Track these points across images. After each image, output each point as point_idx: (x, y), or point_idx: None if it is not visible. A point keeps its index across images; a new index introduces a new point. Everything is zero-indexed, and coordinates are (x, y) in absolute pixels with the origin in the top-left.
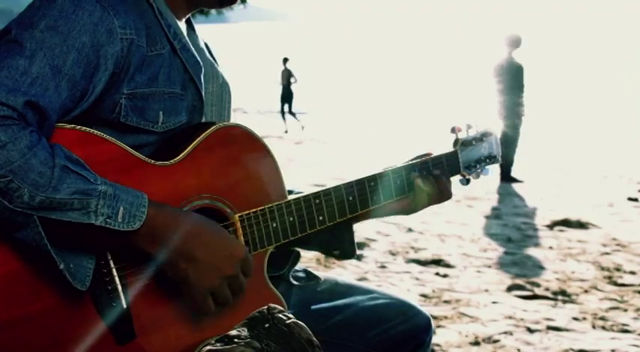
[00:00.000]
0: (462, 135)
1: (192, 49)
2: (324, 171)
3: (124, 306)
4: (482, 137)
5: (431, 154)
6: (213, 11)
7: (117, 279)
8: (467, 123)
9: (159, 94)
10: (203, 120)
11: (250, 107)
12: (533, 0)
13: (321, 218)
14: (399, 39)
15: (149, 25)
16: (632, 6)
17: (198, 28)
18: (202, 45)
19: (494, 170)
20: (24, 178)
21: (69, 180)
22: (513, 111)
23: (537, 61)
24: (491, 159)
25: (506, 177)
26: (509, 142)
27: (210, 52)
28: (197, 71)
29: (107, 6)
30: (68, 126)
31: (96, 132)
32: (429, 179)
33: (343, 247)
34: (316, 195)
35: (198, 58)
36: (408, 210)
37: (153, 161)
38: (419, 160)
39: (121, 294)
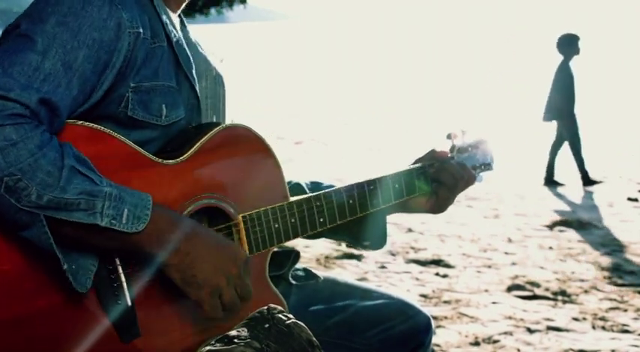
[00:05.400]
0: (457, 142)
1: (185, 44)
2: (324, 172)
3: (129, 304)
4: (477, 144)
5: (436, 151)
6: (213, 11)
7: (122, 277)
8: (462, 129)
9: (160, 88)
10: (202, 116)
11: (250, 106)
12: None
13: (321, 220)
14: (400, 39)
15: (150, 18)
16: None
17: (198, 28)
18: (194, 40)
19: (486, 177)
20: (32, 177)
21: (76, 180)
22: (561, 115)
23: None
24: (485, 166)
25: (549, 181)
26: (572, 146)
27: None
28: (189, 67)
29: (115, 0)
30: (78, 122)
31: (105, 129)
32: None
33: (374, 238)
34: (317, 197)
35: (189, 54)
36: (434, 207)
37: (160, 159)
38: (417, 165)
39: (126, 292)
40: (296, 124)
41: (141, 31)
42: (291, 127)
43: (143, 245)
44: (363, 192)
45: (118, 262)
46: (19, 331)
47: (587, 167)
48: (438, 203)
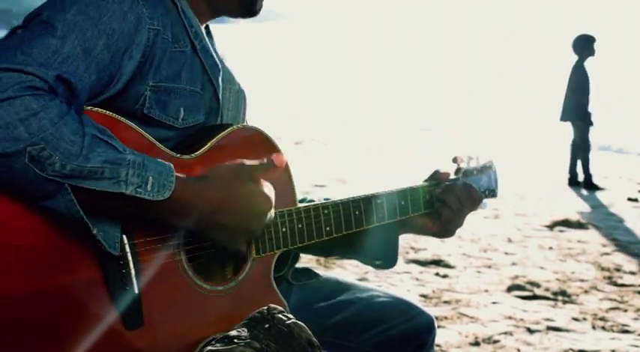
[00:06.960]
0: (463, 165)
1: (212, 50)
2: (324, 172)
3: (136, 291)
4: (482, 169)
5: (440, 171)
6: None
7: (131, 264)
8: (468, 155)
9: (181, 91)
10: (222, 121)
11: (250, 106)
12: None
13: (328, 228)
14: (400, 38)
15: (173, 23)
16: None
17: None
18: (221, 54)
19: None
20: (56, 146)
21: (99, 148)
22: (579, 116)
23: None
24: (490, 192)
25: (589, 185)
26: (579, 147)
27: None
28: (215, 73)
29: None
30: (98, 109)
31: (124, 119)
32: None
33: (386, 258)
34: (325, 205)
35: (217, 60)
36: (440, 231)
37: (175, 154)
38: (425, 183)
39: (134, 279)
40: (296, 124)
41: (161, 29)
42: (291, 127)
43: (168, 212)
44: (370, 205)
45: (127, 249)
46: (25, 308)
47: (591, 170)
48: (444, 225)
